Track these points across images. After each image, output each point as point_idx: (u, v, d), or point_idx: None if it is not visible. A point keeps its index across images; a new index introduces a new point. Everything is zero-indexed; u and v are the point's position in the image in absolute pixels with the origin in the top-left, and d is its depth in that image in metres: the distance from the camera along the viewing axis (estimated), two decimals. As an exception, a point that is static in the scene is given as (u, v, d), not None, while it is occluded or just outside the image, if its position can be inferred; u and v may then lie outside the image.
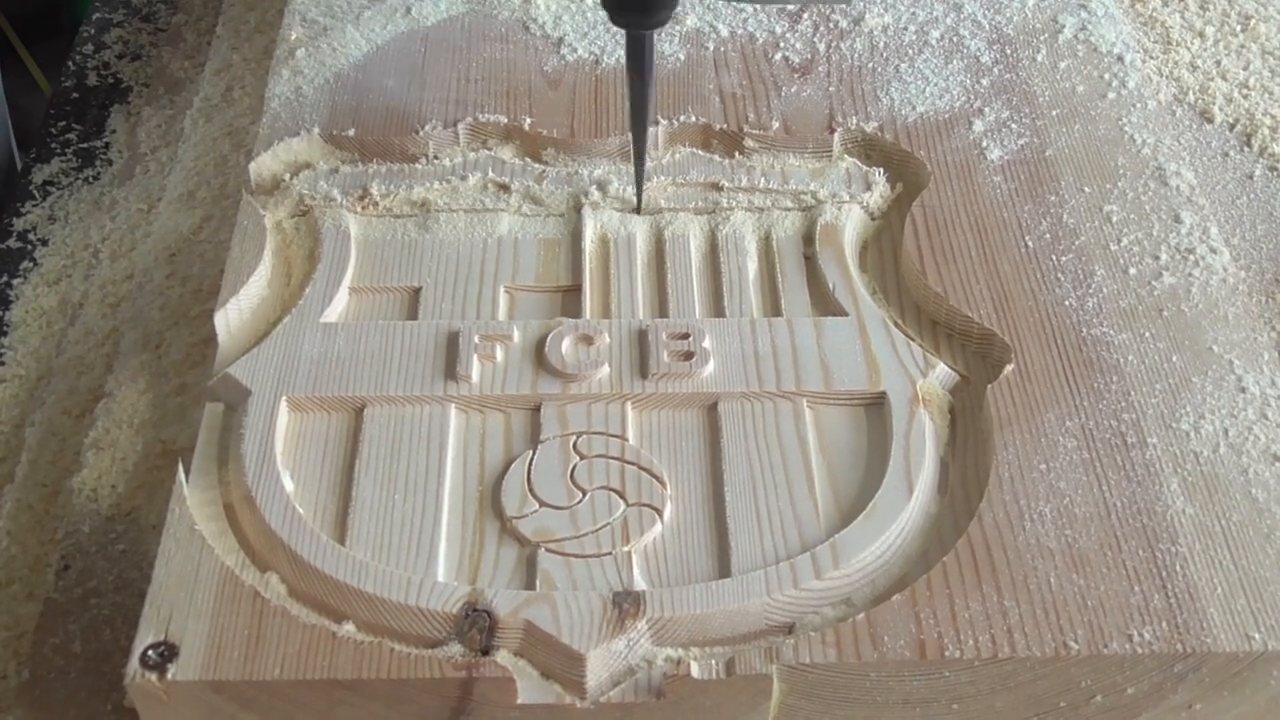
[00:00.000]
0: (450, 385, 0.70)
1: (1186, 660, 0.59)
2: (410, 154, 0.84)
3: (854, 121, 0.84)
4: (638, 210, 0.80)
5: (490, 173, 0.82)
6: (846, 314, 0.74)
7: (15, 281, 0.88)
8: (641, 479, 0.67)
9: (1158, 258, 0.76)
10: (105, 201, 0.93)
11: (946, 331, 0.74)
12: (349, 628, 0.61)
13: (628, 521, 0.65)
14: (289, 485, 0.66)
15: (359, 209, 0.80)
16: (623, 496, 0.66)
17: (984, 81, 0.88)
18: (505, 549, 0.64)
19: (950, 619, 0.60)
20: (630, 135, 0.77)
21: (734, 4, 0.92)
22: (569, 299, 0.77)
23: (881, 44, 0.91)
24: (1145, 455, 0.67)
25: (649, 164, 0.80)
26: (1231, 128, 0.92)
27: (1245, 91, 0.95)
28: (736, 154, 0.84)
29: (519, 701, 0.59)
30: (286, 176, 0.83)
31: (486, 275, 0.77)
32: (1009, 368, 0.70)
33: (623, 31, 0.73)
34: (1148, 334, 0.72)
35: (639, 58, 0.73)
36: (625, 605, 0.60)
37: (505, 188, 0.82)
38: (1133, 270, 0.76)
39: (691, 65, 0.89)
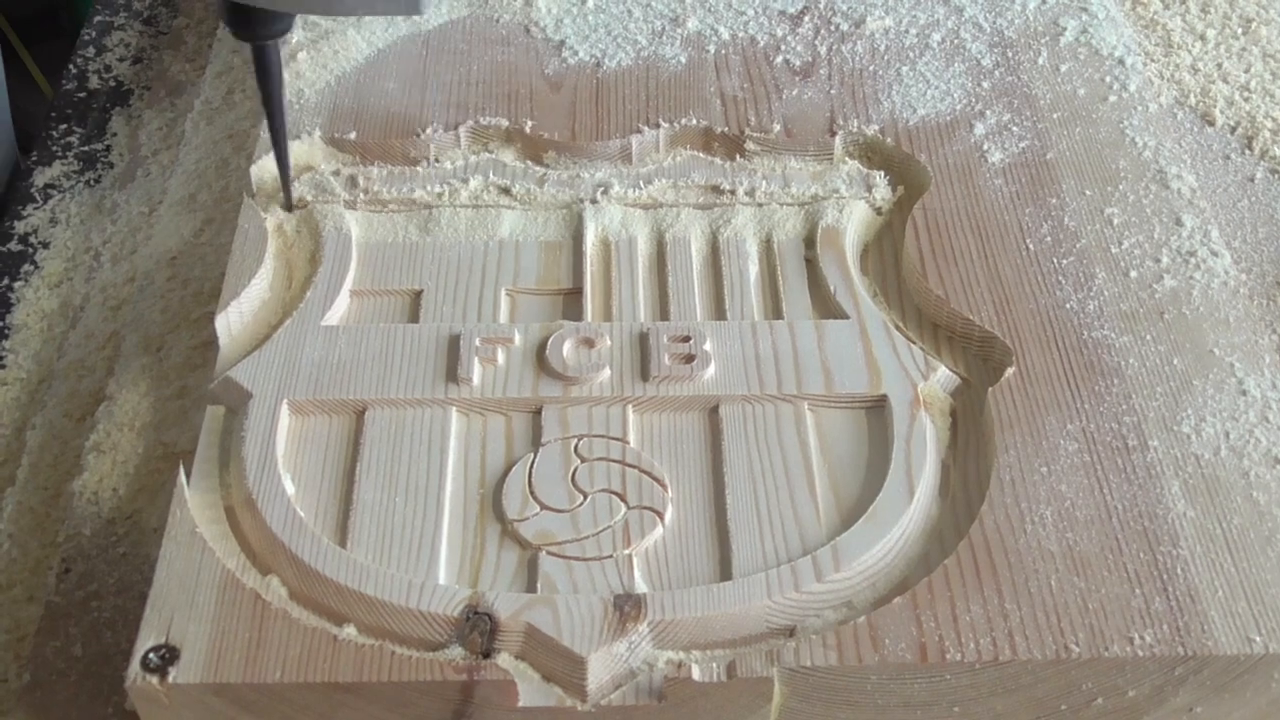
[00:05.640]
0: (451, 388, 0.70)
1: (1187, 663, 0.59)
2: (411, 157, 0.84)
3: (855, 124, 0.84)
4: (288, 208, 0.81)
5: (491, 175, 0.82)
6: (847, 317, 0.74)
7: (16, 284, 0.88)
8: (642, 482, 0.67)
9: (1159, 260, 0.76)
10: (106, 204, 0.94)
11: (947, 334, 0.74)
12: (350, 630, 0.61)
13: (629, 524, 0.65)
14: (290, 488, 0.66)
15: (358, 203, 0.81)
16: (624, 499, 0.66)
17: (985, 84, 0.88)
18: (506, 552, 0.64)
19: (951, 622, 0.60)
20: (274, 148, 0.78)
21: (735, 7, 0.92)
22: (570, 302, 0.77)
23: (883, 47, 0.91)
24: (1146, 458, 0.67)
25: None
26: (1233, 130, 0.92)
27: (1246, 94, 0.95)
28: (738, 156, 0.84)
29: (520, 704, 0.59)
30: (288, 179, 0.83)
31: (488, 278, 0.77)
32: (1010, 370, 0.70)
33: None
34: (1149, 337, 0.72)
35: (264, 70, 0.73)
36: (626, 608, 0.60)
37: (506, 190, 0.82)
38: (1134, 273, 0.76)
39: (692, 68, 0.89)
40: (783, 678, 0.59)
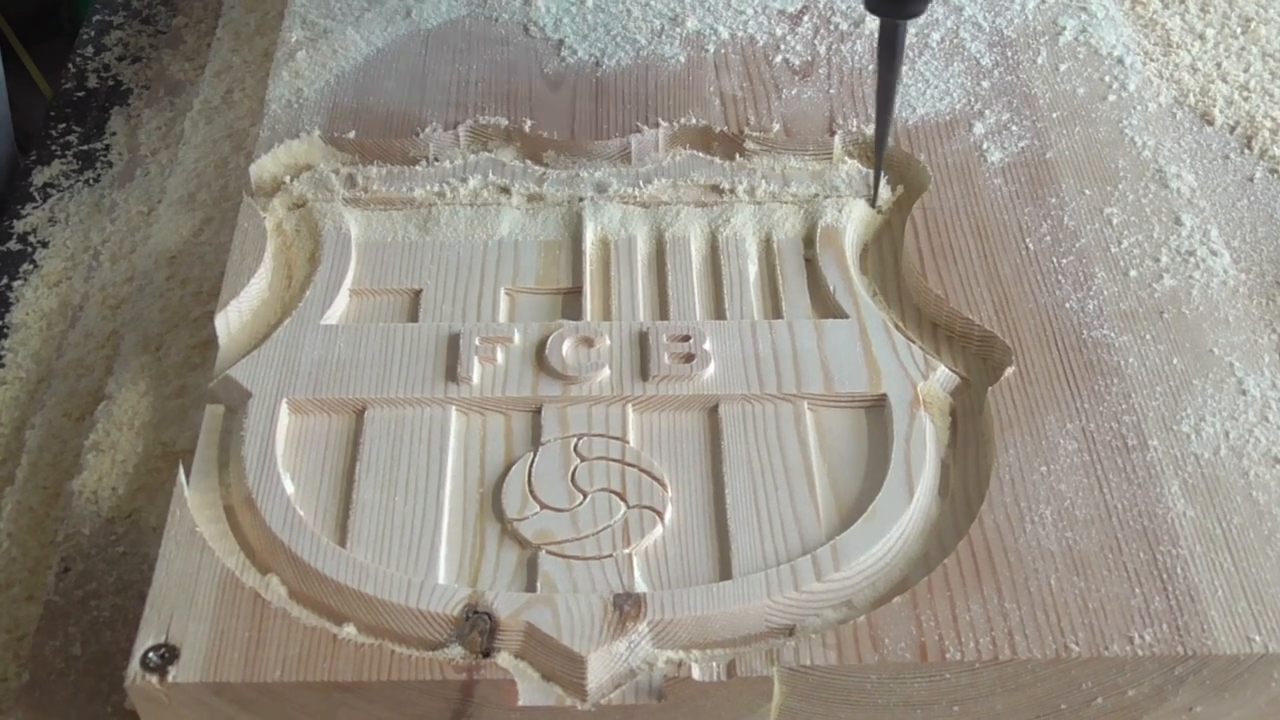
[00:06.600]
0: (451, 387, 0.70)
1: (1187, 662, 0.59)
2: (411, 156, 0.84)
3: (855, 124, 0.84)
4: (873, 203, 0.80)
5: (491, 175, 0.82)
6: (847, 316, 0.74)
7: (15, 284, 0.88)
8: (642, 481, 0.67)
9: (1158, 260, 0.76)
10: (105, 204, 0.93)
11: (947, 334, 0.74)
12: (350, 630, 0.61)
13: (628, 523, 0.65)
14: (290, 487, 0.66)
15: (358, 202, 0.81)
16: (623, 499, 0.66)
17: (984, 84, 0.88)
18: (506, 551, 0.64)
19: (951, 621, 0.60)
20: (877, 132, 0.78)
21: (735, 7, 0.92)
22: (569, 301, 0.77)
23: (882, 46, 0.91)
24: (1146, 457, 0.67)
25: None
26: (1232, 130, 0.92)
27: (1246, 94, 0.95)
28: (737, 156, 0.84)
29: (520, 704, 0.59)
30: (287, 179, 0.83)
31: (487, 277, 0.77)
32: (1009, 370, 0.70)
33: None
34: (1148, 336, 0.72)
35: (890, 47, 0.73)
36: (626, 607, 0.60)
37: (506, 190, 0.82)
38: (1133, 272, 0.76)
39: (692, 67, 0.89)
40: (782, 677, 0.59)
